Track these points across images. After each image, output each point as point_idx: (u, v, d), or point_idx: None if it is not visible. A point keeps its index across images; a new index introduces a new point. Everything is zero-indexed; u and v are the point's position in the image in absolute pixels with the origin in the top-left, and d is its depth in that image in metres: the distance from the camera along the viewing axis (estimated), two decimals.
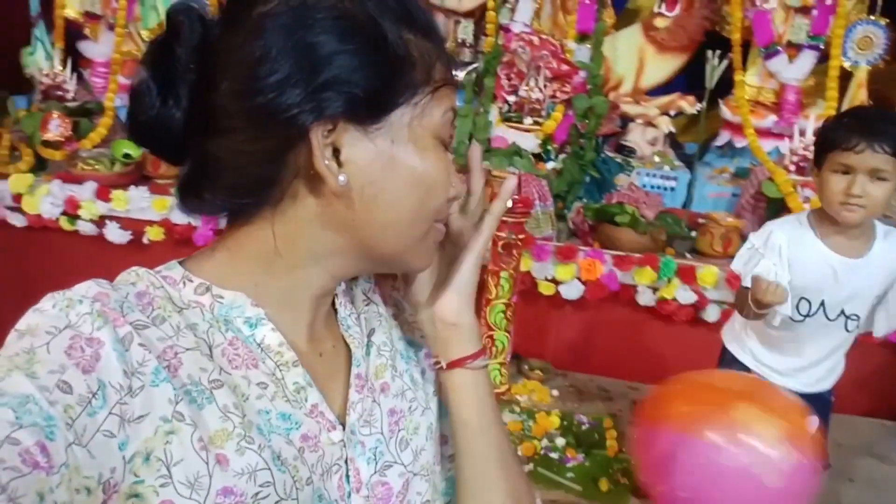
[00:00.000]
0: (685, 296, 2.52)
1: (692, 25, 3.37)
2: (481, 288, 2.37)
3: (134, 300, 0.53)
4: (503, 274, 2.29)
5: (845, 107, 3.11)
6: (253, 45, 0.52)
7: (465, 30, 3.46)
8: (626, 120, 3.46)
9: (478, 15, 3.42)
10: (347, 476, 0.59)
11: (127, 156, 2.91)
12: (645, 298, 2.56)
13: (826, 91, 3.06)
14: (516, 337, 2.58)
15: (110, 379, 0.48)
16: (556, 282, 2.59)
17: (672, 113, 3.43)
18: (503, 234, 2.25)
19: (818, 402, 1.57)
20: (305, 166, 0.54)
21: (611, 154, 3.20)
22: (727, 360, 1.77)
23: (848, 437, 2.36)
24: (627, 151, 3.32)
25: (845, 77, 3.13)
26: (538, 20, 3.42)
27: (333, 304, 0.66)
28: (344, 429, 0.60)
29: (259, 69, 0.51)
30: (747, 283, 1.58)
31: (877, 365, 2.56)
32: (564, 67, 2.90)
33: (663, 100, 3.46)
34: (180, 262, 0.59)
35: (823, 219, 1.56)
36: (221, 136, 0.54)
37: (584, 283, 2.57)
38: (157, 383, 0.50)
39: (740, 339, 1.76)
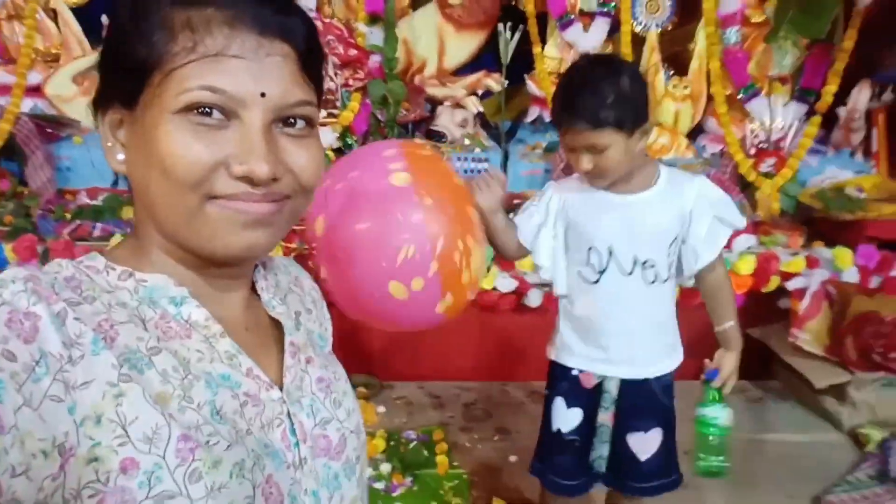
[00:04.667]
0: (505, 283, 2.37)
1: (487, 0, 3.24)
2: None
3: (63, 282, 0.55)
4: None
5: (643, 69, 3.12)
6: None
7: None
8: (435, 104, 3.29)
9: None
10: (293, 430, 0.61)
11: None
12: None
13: (622, 54, 3.04)
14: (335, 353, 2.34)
15: (50, 349, 0.50)
16: None
17: (480, 93, 3.30)
18: (294, 245, 1.98)
19: (651, 394, 1.43)
20: None
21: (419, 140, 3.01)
22: (555, 374, 1.51)
23: (678, 403, 2.33)
24: (438, 137, 3.14)
25: (641, 42, 3.13)
26: (329, 4, 3.16)
27: (255, 289, 0.68)
28: (281, 390, 0.62)
29: None
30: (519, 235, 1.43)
31: (699, 324, 2.55)
32: (353, 52, 2.67)
33: (469, 79, 3.31)
34: (100, 253, 0.60)
35: None
36: None
37: None
38: (98, 352, 0.52)
39: (559, 340, 1.57)
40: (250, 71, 0.54)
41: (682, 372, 2.46)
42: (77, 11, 3.01)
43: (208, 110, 0.54)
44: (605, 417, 1.44)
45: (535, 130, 3.34)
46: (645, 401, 1.42)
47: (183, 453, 0.51)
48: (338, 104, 2.72)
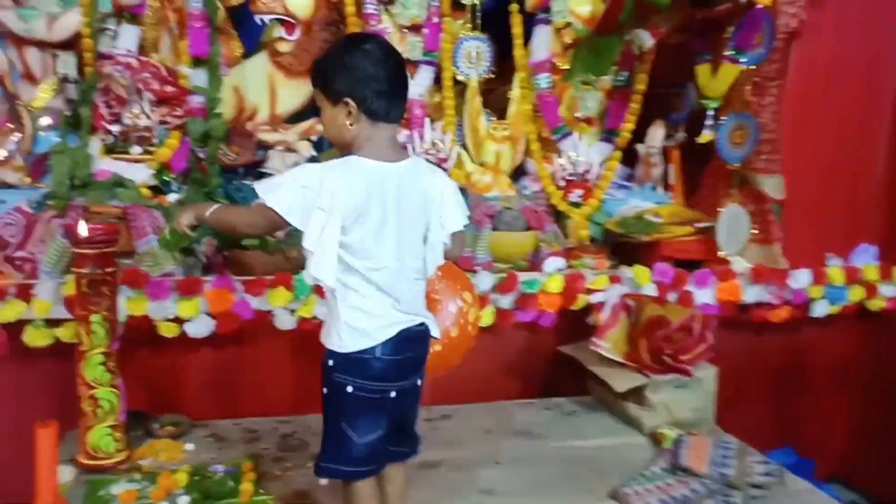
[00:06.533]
0: (324, 311, 2.37)
1: (316, 49, 3.32)
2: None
3: None
4: (94, 318, 1.92)
5: (466, 116, 3.30)
6: None
7: (66, 63, 3.02)
8: (267, 149, 3.30)
9: (77, 46, 3.03)
10: None
11: None
12: (283, 322, 2.36)
13: (445, 100, 3.21)
14: (140, 393, 2.23)
15: None
16: (180, 321, 2.28)
17: (314, 139, 3.35)
18: (85, 270, 1.90)
19: None
20: None
21: (247, 182, 2.99)
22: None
23: (496, 422, 2.39)
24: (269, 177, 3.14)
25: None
26: (156, 51, 3.13)
27: None
28: None
29: None
30: None
31: (518, 347, 2.65)
32: (170, 89, 2.65)
33: (303, 125, 3.36)
34: None
35: None
36: None
37: (213, 316, 2.30)
38: None
39: None
40: None
41: (500, 393, 2.55)
42: None
43: None
44: None
45: None
46: None
47: None
48: (154, 141, 2.67)
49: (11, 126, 2.77)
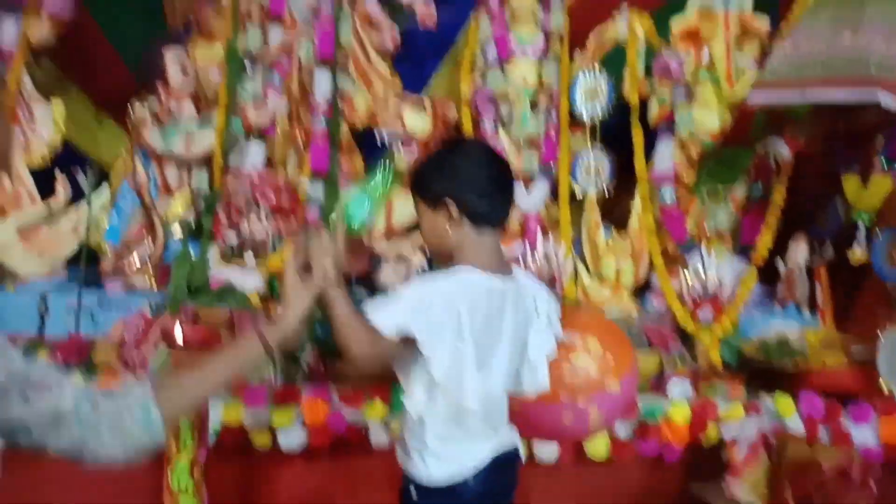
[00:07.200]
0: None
1: None
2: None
3: None
4: (182, 423, 1.87)
5: (584, 228, 3.16)
6: None
7: (200, 178, 3.21)
8: (379, 259, 3.30)
9: (210, 162, 3.22)
10: None
11: None
12: (378, 438, 2.21)
13: (561, 214, 3.10)
14: None
15: None
16: (273, 430, 2.19)
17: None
18: None
19: None
20: None
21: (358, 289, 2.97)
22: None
23: None
24: (380, 290, 3.11)
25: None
26: (284, 166, 3.28)
27: None
28: None
29: None
30: None
31: (639, 483, 2.33)
32: (285, 201, 2.72)
33: (418, 236, 3.36)
34: None
35: None
36: None
37: (307, 427, 2.19)
38: None
39: None
40: None
41: None
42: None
43: None
44: None
45: None
46: None
47: None
48: (268, 250, 2.72)
49: (147, 235, 2.94)
